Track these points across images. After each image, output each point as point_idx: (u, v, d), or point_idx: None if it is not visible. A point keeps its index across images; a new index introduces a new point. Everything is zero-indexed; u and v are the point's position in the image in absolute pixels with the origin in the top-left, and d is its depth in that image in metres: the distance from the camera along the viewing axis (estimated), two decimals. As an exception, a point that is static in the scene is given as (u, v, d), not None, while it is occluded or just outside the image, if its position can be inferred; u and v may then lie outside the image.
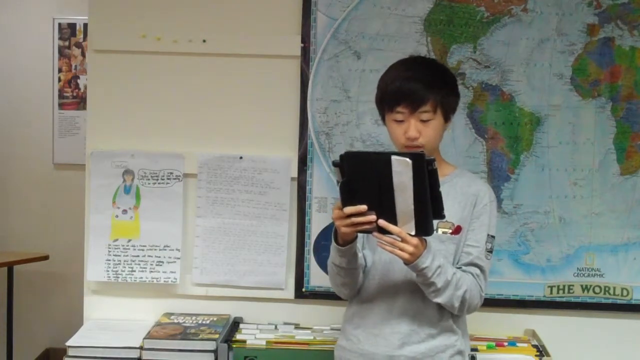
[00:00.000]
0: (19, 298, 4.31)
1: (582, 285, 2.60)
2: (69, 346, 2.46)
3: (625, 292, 2.60)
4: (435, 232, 1.97)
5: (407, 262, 1.88)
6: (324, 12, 2.59)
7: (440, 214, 1.82)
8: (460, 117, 2.57)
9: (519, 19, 2.55)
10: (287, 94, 2.62)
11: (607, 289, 2.60)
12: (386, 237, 1.85)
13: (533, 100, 2.57)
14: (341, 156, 1.84)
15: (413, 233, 1.83)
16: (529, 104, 2.57)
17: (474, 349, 2.44)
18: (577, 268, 2.60)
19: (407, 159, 1.76)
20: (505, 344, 2.51)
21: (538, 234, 2.59)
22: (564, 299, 2.61)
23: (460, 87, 2.53)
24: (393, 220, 1.82)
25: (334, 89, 2.60)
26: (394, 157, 1.77)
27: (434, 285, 1.92)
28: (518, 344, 2.51)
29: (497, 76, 2.57)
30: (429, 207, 1.79)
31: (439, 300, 1.95)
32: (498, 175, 2.59)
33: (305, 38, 2.59)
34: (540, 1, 2.55)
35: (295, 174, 2.63)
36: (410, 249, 1.84)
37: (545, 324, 2.60)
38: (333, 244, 1.97)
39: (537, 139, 2.58)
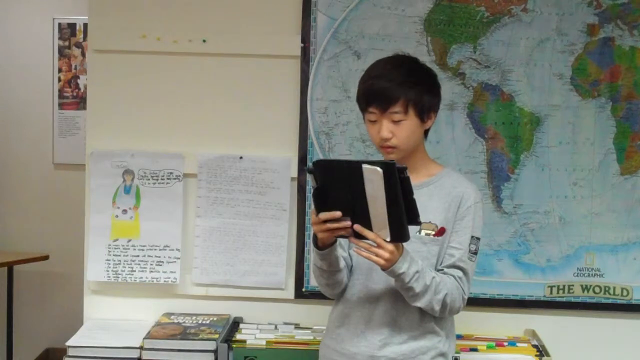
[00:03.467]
0: (19, 298, 4.31)
1: (582, 285, 2.60)
2: (69, 346, 2.46)
3: (625, 292, 2.60)
4: (418, 233, 1.98)
5: (383, 268, 1.88)
6: (324, 12, 2.59)
7: (415, 221, 1.80)
8: (460, 117, 2.58)
9: (519, 19, 2.55)
10: (287, 94, 2.62)
11: (607, 289, 2.60)
12: (362, 243, 1.85)
13: (533, 100, 2.57)
14: (313, 163, 1.84)
15: (388, 239, 1.81)
16: (529, 104, 2.57)
17: (474, 349, 2.44)
18: (577, 268, 2.60)
19: (378, 168, 1.73)
20: (505, 344, 2.51)
21: (538, 234, 2.59)
22: (564, 299, 2.61)
23: (460, 87, 2.56)
24: (368, 226, 1.81)
25: (334, 89, 2.60)
26: (364, 166, 1.75)
27: (412, 290, 1.91)
28: (518, 344, 2.51)
29: (497, 76, 2.57)
30: (402, 214, 1.77)
31: (418, 304, 1.94)
32: (498, 175, 2.59)
33: (305, 38, 2.59)
34: (540, 1, 2.55)
35: (295, 174, 2.63)
36: (385, 254, 1.83)
37: (545, 324, 2.60)
38: (313, 248, 1.98)
39: (537, 139, 2.58)
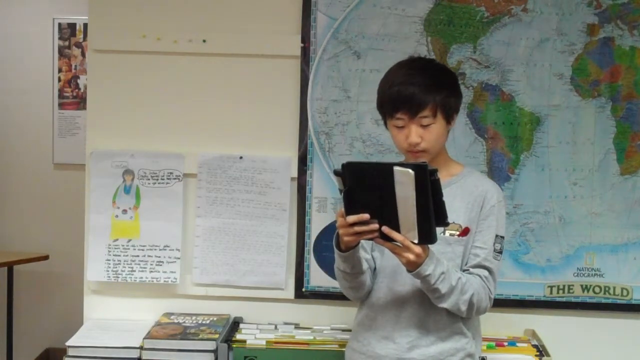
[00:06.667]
0: (19, 298, 4.31)
1: (582, 285, 2.60)
2: (69, 346, 2.46)
3: (625, 292, 2.60)
4: (442, 234, 1.97)
5: (409, 270, 1.88)
6: (324, 12, 2.59)
7: (443, 222, 1.81)
8: (460, 117, 2.55)
9: (519, 19, 2.55)
10: (287, 94, 2.62)
11: (607, 289, 2.60)
12: (388, 244, 1.85)
13: (533, 100, 2.57)
14: (342, 165, 1.83)
15: (416, 241, 1.82)
16: (529, 104, 2.57)
17: (474, 349, 2.45)
18: (577, 268, 2.60)
19: (410, 170, 1.74)
20: (505, 344, 2.51)
21: (538, 234, 2.59)
22: (564, 299, 2.61)
23: (460, 87, 2.55)
24: (396, 228, 1.81)
25: (334, 89, 2.60)
26: (396, 168, 1.76)
27: (438, 292, 1.91)
28: (518, 344, 2.51)
29: (497, 76, 2.57)
30: (431, 216, 1.77)
31: (444, 305, 1.94)
32: (498, 175, 2.58)
33: (305, 38, 2.59)
34: (540, 1, 2.55)
35: (295, 174, 2.63)
36: (411, 257, 1.83)
37: (545, 324, 2.60)
38: (336, 250, 1.97)
39: (537, 139, 2.58)
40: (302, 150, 2.62)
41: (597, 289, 2.60)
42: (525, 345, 2.51)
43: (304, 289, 2.65)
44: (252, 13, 2.62)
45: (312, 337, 2.50)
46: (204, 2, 2.63)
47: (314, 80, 2.60)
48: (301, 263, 2.65)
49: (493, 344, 2.49)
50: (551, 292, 2.60)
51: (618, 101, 2.56)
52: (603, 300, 2.60)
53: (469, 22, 2.56)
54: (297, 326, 2.62)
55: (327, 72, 2.60)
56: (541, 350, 2.45)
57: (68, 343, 2.47)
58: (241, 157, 2.64)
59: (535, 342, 2.53)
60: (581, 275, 2.60)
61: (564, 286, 2.60)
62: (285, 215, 2.63)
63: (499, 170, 2.59)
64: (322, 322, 2.60)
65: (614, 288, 2.60)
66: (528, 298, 2.61)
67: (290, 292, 2.66)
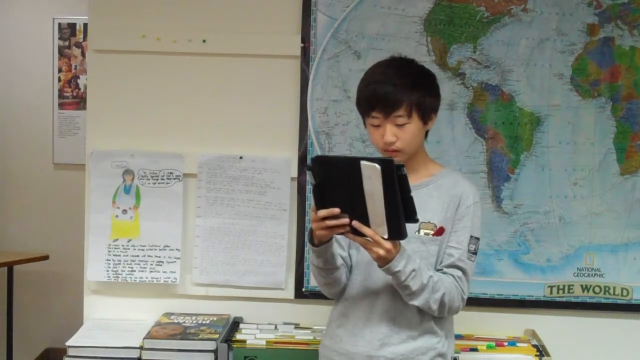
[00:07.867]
0: (19, 298, 4.31)
1: (582, 285, 2.60)
2: (69, 346, 2.46)
3: (625, 292, 2.60)
4: (417, 232, 1.98)
5: (380, 265, 1.89)
6: (324, 12, 2.59)
7: (413, 218, 1.80)
8: (460, 117, 2.58)
9: (519, 19, 2.55)
10: (287, 94, 2.62)
11: (607, 289, 2.60)
12: (359, 239, 1.85)
13: (533, 100, 2.57)
14: (312, 159, 1.85)
15: (386, 236, 1.82)
16: (529, 104, 2.57)
17: (474, 349, 2.44)
18: (577, 268, 2.60)
19: (376, 165, 1.74)
20: (505, 344, 2.51)
21: (538, 234, 2.59)
22: (564, 299, 2.61)
23: (460, 87, 2.56)
24: (366, 222, 1.81)
25: (334, 89, 2.60)
26: (363, 163, 1.76)
27: (408, 289, 1.91)
28: (518, 344, 2.51)
29: (497, 76, 2.57)
30: (400, 211, 1.77)
31: (414, 302, 1.94)
32: (498, 175, 2.59)
33: (305, 38, 2.59)
34: (540, 1, 2.55)
35: (295, 174, 2.63)
36: (381, 252, 1.83)
37: (545, 324, 2.60)
38: (309, 245, 1.98)
39: (537, 139, 2.58)
40: (302, 150, 2.62)
41: (597, 289, 2.60)
42: (525, 345, 2.51)
43: (303, 289, 2.65)
44: (252, 13, 2.62)
45: (312, 337, 2.50)
46: (204, 2, 2.63)
47: (314, 80, 2.60)
48: (301, 263, 2.65)
49: (493, 344, 2.50)
50: (551, 292, 2.61)
51: (618, 101, 2.56)
52: (603, 300, 2.60)
53: (469, 22, 2.56)
54: (297, 326, 2.62)
55: (327, 72, 2.60)
56: (541, 350, 2.45)
57: (68, 343, 2.47)
58: (241, 157, 2.64)
59: (535, 342, 2.53)
60: (581, 275, 2.60)
61: (564, 286, 2.60)
62: (285, 215, 2.63)
63: (499, 170, 2.59)
64: (322, 322, 2.57)
65: (614, 288, 2.60)
66: (528, 298, 2.61)
67: (290, 292, 2.66)
